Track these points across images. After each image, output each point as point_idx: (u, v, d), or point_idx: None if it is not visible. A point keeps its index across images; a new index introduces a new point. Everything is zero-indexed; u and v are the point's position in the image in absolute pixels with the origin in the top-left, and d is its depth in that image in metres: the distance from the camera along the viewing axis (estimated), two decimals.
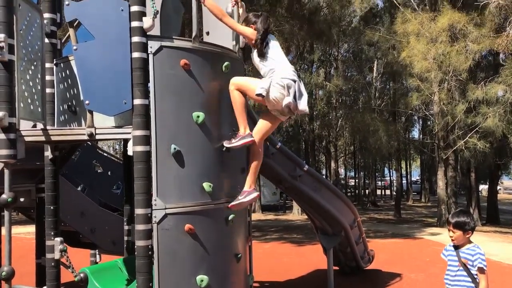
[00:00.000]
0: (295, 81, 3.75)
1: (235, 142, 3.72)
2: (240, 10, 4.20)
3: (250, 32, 3.89)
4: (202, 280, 3.48)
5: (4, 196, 3.32)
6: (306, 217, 20.18)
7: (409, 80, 18.90)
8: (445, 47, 15.68)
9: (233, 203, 3.74)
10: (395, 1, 19.20)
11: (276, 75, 3.75)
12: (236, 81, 3.81)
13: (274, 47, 3.93)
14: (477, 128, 16.13)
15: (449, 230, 3.72)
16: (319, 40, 21.51)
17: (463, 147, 16.93)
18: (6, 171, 3.40)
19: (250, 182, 3.85)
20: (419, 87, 17.84)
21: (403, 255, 10.88)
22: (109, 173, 7.64)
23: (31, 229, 12.88)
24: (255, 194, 3.81)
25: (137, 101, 3.35)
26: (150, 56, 3.43)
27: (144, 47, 3.38)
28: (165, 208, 3.41)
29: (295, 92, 3.72)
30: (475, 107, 16.32)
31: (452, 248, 3.74)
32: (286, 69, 3.82)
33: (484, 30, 15.36)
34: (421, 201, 35.48)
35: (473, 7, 15.96)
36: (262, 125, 3.92)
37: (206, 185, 3.58)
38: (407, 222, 19.47)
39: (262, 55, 3.86)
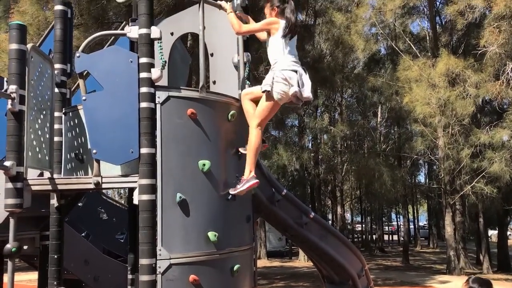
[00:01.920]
0: (296, 71, 3.83)
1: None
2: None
3: (268, 21, 3.99)
4: None
5: (8, 246, 3.30)
6: (312, 263, 19.75)
7: (413, 125, 19.03)
8: (444, 92, 15.88)
9: (232, 191, 3.71)
10: (396, 48, 19.60)
11: (277, 67, 3.86)
12: (245, 91, 3.99)
13: (279, 36, 3.98)
14: (483, 173, 16.04)
15: None
16: (323, 86, 21.84)
17: (470, 192, 16.80)
18: (12, 220, 3.40)
19: (250, 168, 3.78)
20: (423, 132, 17.92)
21: None
22: (114, 219, 7.61)
23: (33, 276, 12.70)
24: (254, 181, 3.73)
25: (144, 150, 3.38)
26: (158, 106, 3.49)
27: (152, 97, 3.45)
28: (170, 258, 3.37)
29: (297, 82, 3.80)
30: (480, 152, 16.31)
31: None
32: (286, 59, 3.89)
33: (483, 75, 15.59)
34: (429, 247, 34.84)
35: (472, 54, 16.27)
36: (263, 106, 3.88)
37: (211, 235, 3.55)
38: (415, 269, 19.05)
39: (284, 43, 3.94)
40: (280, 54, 3.90)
